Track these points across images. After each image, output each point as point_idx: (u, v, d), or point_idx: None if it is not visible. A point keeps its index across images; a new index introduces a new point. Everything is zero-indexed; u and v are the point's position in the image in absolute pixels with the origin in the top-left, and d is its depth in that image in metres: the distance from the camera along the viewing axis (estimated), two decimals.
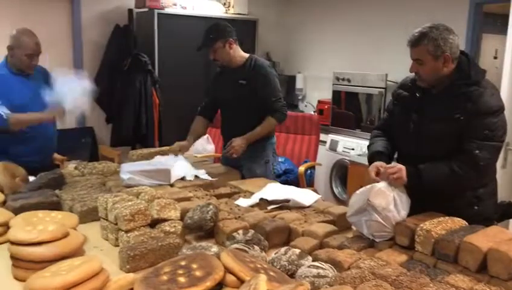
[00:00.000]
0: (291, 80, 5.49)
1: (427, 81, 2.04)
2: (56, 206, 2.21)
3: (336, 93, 4.44)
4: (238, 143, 2.89)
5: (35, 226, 1.68)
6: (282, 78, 5.49)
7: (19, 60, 2.80)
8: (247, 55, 3.03)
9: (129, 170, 2.42)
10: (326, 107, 4.59)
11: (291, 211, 2.15)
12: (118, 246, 1.88)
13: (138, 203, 1.91)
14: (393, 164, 1.99)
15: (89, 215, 2.14)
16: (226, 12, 5.15)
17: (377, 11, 4.62)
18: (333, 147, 4.30)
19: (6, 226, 1.91)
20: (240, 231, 1.85)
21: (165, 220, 1.94)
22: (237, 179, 2.82)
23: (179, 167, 2.62)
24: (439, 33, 1.93)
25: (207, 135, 4.51)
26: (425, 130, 2.05)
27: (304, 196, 2.27)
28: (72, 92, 2.66)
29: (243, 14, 5.21)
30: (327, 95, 4.74)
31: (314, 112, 4.80)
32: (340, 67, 4.59)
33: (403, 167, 1.92)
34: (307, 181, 3.81)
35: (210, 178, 2.61)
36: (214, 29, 2.93)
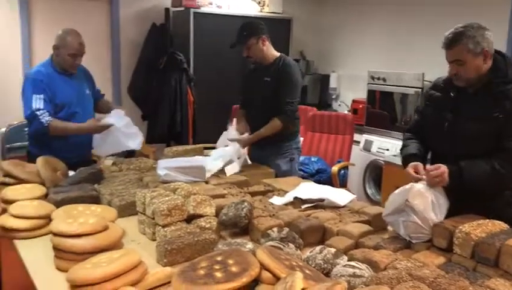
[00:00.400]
0: (325, 79, 5.46)
1: (467, 81, 2.00)
2: (95, 200, 2.28)
3: (371, 93, 4.38)
4: (242, 142, 2.98)
5: (76, 218, 1.73)
6: (315, 77, 5.48)
7: (62, 60, 2.88)
8: (278, 54, 3.09)
9: (166, 166, 2.46)
10: (360, 106, 4.54)
11: (325, 210, 2.14)
12: (155, 240, 1.92)
13: (175, 198, 1.95)
14: (435, 165, 1.95)
15: (126, 209, 2.19)
16: (261, 11, 5.16)
17: (414, 9, 4.53)
18: (367, 147, 4.25)
19: (49, 218, 1.99)
20: (275, 229, 1.85)
21: (200, 216, 1.97)
22: (271, 177, 2.82)
23: (217, 159, 2.68)
24: (475, 31, 1.91)
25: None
26: (460, 129, 2.02)
27: (339, 195, 2.26)
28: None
29: (277, 13, 5.21)
30: (361, 95, 4.69)
31: (348, 111, 4.76)
32: (375, 66, 4.53)
33: (445, 169, 1.89)
34: (340, 181, 3.79)
35: (249, 160, 2.63)
36: (248, 27, 3.03)
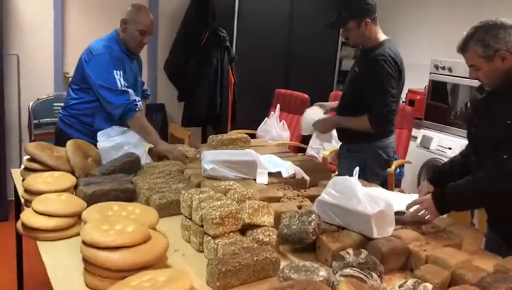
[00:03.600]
0: None
1: (491, 84, 1.80)
2: (131, 194, 2.00)
3: (433, 84, 3.93)
4: (323, 124, 2.63)
5: (112, 224, 1.43)
6: None
7: (130, 36, 2.58)
8: (383, 38, 2.51)
9: (212, 160, 2.13)
10: (418, 98, 4.10)
11: (405, 227, 1.78)
12: (201, 251, 1.62)
13: (229, 204, 1.62)
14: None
15: (167, 208, 1.89)
16: None
17: None
18: (425, 144, 3.83)
19: (77, 216, 1.69)
20: (350, 250, 1.51)
21: (257, 226, 1.65)
22: (328, 178, 2.44)
23: (267, 160, 2.31)
24: (485, 32, 1.74)
25: (283, 121, 4.20)
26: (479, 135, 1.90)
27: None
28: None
29: None
30: (419, 85, 4.26)
31: (403, 102, 4.33)
32: (438, 54, 4.05)
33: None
34: (395, 181, 3.41)
35: (304, 174, 2.25)
36: (347, 5, 2.45)
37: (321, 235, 1.62)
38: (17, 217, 2.47)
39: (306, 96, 4.10)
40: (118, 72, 2.49)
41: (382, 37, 2.53)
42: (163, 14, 4.41)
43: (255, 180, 2.18)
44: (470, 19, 3.87)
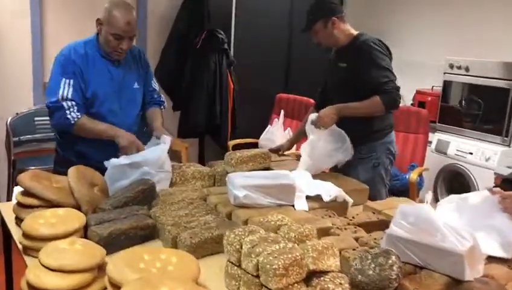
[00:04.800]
0: None
1: None
2: (151, 231, 1.69)
3: (448, 84, 3.70)
4: (326, 113, 2.37)
5: (156, 288, 1.10)
6: None
7: (104, 40, 2.19)
8: (355, 33, 2.52)
9: (244, 185, 1.82)
10: (429, 99, 3.87)
11: (489, 261, 1.52)
12: None
13: (290, 248, 1.32)
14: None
15: (199, 249, 1.58)
16: None
17: None
18: (441, 149, 3.60)
19: (96, 269, 1.36)
20: None
21: (322, 272, 1.35)
22: (364, 194, 2.18)
23: (300, 180, 2.02)
24: None
25: (288, 129, 3.90)
26: None
27: (497, 237, 1.63)
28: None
29: None
30: (425, 85, 4.04)
31: (411, 104, 4.10)
32: (447, 52, 3.81)
33: None
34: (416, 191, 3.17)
35: (346, 196, 1.97)
36: (314, 8, 2.53)
37: (402, 280, 1.34)
38: (6, 248, 2.09)
39: (312, 101, 3.82)
40: (67, 80, 2.14)
41: (355, 32, 2.53)
42: (152, 14, 4.05)
43: (292, 206, 1.89)
44: (484, 15, 3.48)
